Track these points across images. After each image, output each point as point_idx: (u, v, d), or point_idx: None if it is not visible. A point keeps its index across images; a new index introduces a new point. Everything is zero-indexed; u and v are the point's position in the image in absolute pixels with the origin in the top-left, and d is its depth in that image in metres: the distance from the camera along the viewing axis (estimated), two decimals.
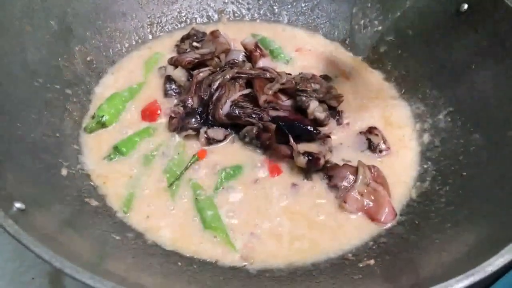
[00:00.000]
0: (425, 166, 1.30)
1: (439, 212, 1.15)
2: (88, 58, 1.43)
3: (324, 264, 1.09)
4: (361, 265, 1.05)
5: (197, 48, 1.51)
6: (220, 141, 1.31)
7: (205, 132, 1.30)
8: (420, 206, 1.20)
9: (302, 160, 1.21)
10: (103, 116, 1.33)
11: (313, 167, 1.22)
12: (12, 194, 0.88)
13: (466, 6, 1.32)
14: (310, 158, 1.21)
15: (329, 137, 1.30)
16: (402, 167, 1.31)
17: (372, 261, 1.06)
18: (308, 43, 1.62)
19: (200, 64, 1.41)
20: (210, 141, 1.30)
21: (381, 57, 1.56)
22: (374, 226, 1.17)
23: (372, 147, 1.32)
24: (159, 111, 1.38)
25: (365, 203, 1.19)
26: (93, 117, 1.35)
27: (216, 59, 1.45)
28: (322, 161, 1.22)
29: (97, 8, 1.47)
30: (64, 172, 1.16)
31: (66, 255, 0.75)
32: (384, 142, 1.33)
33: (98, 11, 1.47)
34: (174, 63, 1.44)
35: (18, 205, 0.85)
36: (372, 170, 1.23)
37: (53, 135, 1.22)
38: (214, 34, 1.48)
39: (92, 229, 1.02)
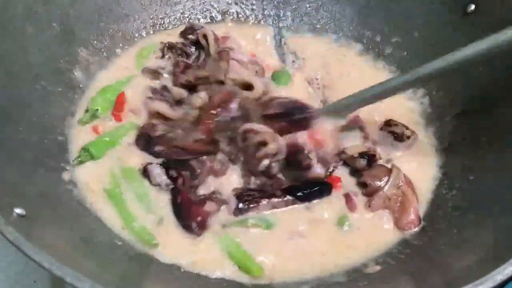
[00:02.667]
0: None
1: (446, 217, 1.13)
2: (91, 60, 1.41)
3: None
4: (366, 272, 1.04)
5: (192, 43, 1.50)
6: None
7: None
8: (426, 211, 1.19)
9: (362, 163, 1.21)
10: (97, 109, 1.31)
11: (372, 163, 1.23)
12: (12, 199, 0.87)
13: (473, 6, 1.31)
14: (367, 157, 1.22)
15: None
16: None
17: (378, 267, 1.05)
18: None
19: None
20: None
21: (387, 58, 1.54)
22: (392, 232, 1.16)
23: (398, 137, 1.30)
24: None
25: (392, 205, 1.17)
26: (86, 111, 1.32)
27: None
28: (377, 155, 1.24)
29: (100, 10, 1.45)
30: (66, 176, 1.15)
31: (67, 262, 0.74)
32: (407, 128, 1.31)
33: (100, 12, 1.45)
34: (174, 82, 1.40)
35: (18, 210, 0.84)
36: (405, 175, 1.21)
37: (55, 139, 1.21)
38: (221, 55, 1.41)
39: (94, 235, 1.01)
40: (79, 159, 1.21)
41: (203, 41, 1.47)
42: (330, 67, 1.54)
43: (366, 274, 1.05)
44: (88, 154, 1.22)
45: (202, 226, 1.11)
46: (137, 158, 1.24)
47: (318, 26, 1.64)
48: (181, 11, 1.62)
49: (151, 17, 1.58)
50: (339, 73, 1.52)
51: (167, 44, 1.48)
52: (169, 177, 1.18)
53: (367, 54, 1.58)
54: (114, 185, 1.18)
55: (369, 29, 1.58)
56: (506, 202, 1.02)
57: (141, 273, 0.97)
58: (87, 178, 1.19)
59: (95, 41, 1.44)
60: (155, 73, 1.44)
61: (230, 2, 1.65)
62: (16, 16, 1.19)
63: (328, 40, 1.62)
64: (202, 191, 1.18)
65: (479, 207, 1.09)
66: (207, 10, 1.65)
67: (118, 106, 1.34)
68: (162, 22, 1.60)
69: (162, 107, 1.29)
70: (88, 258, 0.87)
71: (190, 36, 1.51)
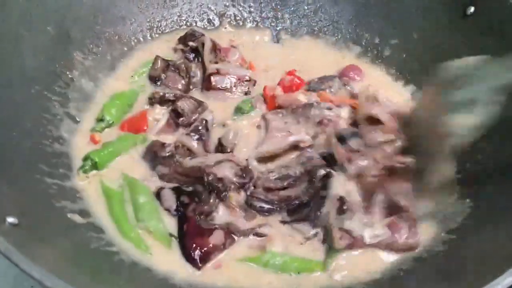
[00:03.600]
0: None
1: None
2: (87, 64, 1.40)
3: None
4: None
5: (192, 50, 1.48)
6: None
7: None
8: None
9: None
10: (112, 122, 1.31)
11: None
12: (4, 207, 0.86)
13: (472, 8, 1.30)
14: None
15: None
16: None
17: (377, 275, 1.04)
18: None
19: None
20: None
21: (385, 60, 1.53)
22: None
23: None
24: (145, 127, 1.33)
25: None
26: (100, 120, 1.31)
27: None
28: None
29: (96, 13, 1.44)
30: (62, 184, 1.14)
31: (59, 272, 0.73)
32: None
33: (96, 15, 1.44)
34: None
35: (10, 219, 0.83)
36: None
37: (50, 144, 1.20)
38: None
39: (88, 245, 1.00)
40: (84, 168, 1.20)
41: (200, 49, 1.46)
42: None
43: None
44: (91, 163, 1.21)
45: (204, 260, 1.07)
46: (143, 170, 1.24)
47: (316, 28, 1.63)
48: (178, 14, 1.61)
49: (148, 20, 1.56)
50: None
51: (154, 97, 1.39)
52: (181, 203, 1.15)
53: (366, 56, 1.56)
54: (117, 193, 1.18)
55: (367, 31, 1.57)
56: (506, 208, 1.02)
57: (135, 284, 0.96)
58: (84, 186, 1.19)
59: (91, 45, 1.43)
60: None
61: (227, 4, 1.64)
62: (11, 19, 1.18)
63: (326, 43, 1.61)
64: (217, 221, 1.13)
65: (480, 213, 1.08)
66: (204, 13, 1.63)
67: (137, 122, 1.33)
68: (159, 25, 1.58)
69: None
70: (81, 268, 0.86)
71: (191, 43, 1.49)
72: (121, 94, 1.39)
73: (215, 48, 1.48)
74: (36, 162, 1.10)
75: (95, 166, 1.21)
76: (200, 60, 1.48)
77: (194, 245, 1.07)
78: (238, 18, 1.65)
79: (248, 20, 1.65)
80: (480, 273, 0.88)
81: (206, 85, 1.43)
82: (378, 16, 1.54)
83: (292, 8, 1.65)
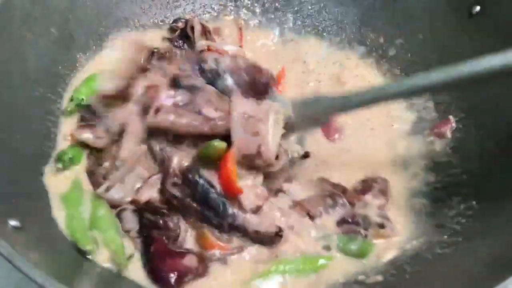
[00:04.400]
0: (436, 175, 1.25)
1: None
2: (90, 65, 1.40)
3: None
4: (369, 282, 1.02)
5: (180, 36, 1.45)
6: None
7: None
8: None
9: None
10: (82, 99, 1.26)
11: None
12: (7, 211, 0.85)
13: (478, 8, 1.28)
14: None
15: None
16: None
17: (380, 277, 1.03)
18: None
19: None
20: None
21: (390, 61, 1.51)
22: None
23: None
24: None
25: None
26: (71, 100, 1.28)
27: None
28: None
29: (99, 15, 1.44)
30: None
31: (61, 277, 0.73)
32: None
33: (100, 17, 1.44)
34: None
35: (13, 223, 0.83)
36: None
37: (53, 147, 1.20)
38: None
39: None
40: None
41: (189, 33, 1.43)
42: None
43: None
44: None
45: (179, 284, 0.97)
46: None
47: (320, 28, 1.62)
48: (181, 14, 1.60)
49: (151, 21, 1.56)
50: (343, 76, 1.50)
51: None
52: (144, 225, 1.06)
53: (370, 56, 1.55)
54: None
55: (372, 31, 1.56)
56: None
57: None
58: None
59: (94, 46, 1.43)
60: None
61: (230, 4, 1.63)
62: (14, 21, 1.18)
63: (330, 43, 1.60)
64: (189, 245, 1.06)
65: (485, 215, 1.07)
66: (208, 13, 1.62)
67: None
68: (162, 26, 1.57)
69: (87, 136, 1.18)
70: (83, 273, 0.86)
71: (177, 25, 1.46)
72: (93, 75, 1.34)
73: (205, 30, 1.44)
74: (40, 165, 1.10)
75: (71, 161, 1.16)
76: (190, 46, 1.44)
77: (166, 267, 0.98)
78: (241, 18, 1.64)
79: (252, 21, 1.64)
80: (483, 277, 0.88)
81: None
82: (383, 16, 1.53)
83: (296, 8, 1.64)
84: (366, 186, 1.21)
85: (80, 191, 1.11)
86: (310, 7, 1.63)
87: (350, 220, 1.13)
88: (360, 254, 1.09)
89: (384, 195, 1.19)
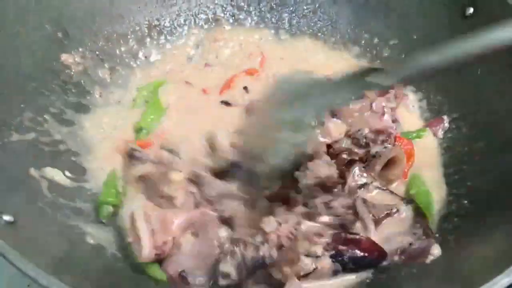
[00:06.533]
0: None
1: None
2: (84, 62, 1.39)
3: None
4: None
5: None
6: None
7: None
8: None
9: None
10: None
11: None
12: (1, 206, 0.85)
13: (471, 9, 1.29)
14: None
15: None
16: None
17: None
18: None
19: None
20: None
21: (384, 61, 1.52)
22: None
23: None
24: None
25: None
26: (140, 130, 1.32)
27: None
28: None
29: (94, 11, 1.43)
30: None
31: (54, 271, 0.73)
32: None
33: (94, 13, 1.43)
34: None
35: (6, 217, 0.82)
36: None
37: (50, 143, 1.19)
38: None
39: (83, 242, 0.99)
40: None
41: None
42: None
43: None
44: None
45: None
46: None
47: (315, 28, 1.63)
48: (176, 13, 1.60)
49: (147, 18, 1.56)
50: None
51: None
52: None
53: (365, 57, 1.56)
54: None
55: (366, 32, 1.57)
56: (506, 208, 1.01)
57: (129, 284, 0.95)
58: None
59: (89, 43, 1.42)
60: None
61: (226, 3, 1.64)
62: (7, 16, 1.17)
63: (325, 43, 1.61)
64: None
65: (478, 213, 1.08)
66: (203, 12, 1.63)
67: None
68: (158, 24, 1.57)
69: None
70: (75, 266, 0.85)
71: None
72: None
73: None
74: (34, 161, 1.09)
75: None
76: None
77: None
78: (237, 17, 1.64)
79: (247, 20, 1.64)
80: (477, 273, 0.88)
81: None
82: (377, 17, 1.54)
83: (291, 8, 1.65)
84: None
85: None
86: (305, 7, 1.64)
87: None
88: None
89: None
